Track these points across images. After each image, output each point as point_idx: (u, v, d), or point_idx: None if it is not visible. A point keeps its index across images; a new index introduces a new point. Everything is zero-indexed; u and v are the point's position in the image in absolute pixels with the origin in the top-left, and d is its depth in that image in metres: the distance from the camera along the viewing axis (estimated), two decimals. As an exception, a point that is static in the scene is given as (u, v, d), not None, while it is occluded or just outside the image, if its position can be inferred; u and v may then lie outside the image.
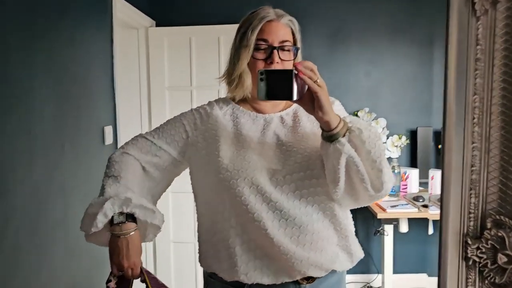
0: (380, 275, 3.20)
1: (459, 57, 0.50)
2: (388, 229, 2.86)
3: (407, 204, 2.78)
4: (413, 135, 3.20)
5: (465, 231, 0.53)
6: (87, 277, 1.97)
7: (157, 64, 3.08)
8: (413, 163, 3.23)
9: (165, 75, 3.09)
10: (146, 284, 1.10)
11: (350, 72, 3.22)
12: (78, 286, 1.87)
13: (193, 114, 1.21)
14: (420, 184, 3.11)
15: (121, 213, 1.04)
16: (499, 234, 0.50)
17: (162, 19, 3.12)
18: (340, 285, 1.20)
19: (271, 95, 0.97)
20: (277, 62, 1.10)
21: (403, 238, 3.17)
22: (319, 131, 1.06)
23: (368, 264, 3.30)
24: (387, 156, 3.13)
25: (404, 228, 2.93)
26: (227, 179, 1.08)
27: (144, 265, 1.11)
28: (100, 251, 2.08)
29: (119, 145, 2.37)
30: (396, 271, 3.05)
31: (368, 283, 3.29)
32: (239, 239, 1.10)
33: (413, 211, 2.69)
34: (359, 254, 1.18)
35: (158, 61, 3.08)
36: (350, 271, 3.61)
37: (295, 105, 1.20)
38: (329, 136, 1.00)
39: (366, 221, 3.26)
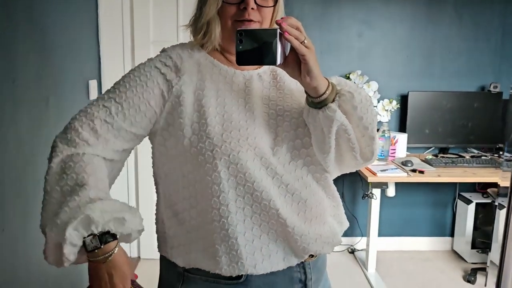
0: (364, 238, 3.23)
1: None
2: (376, 193, 2.86)
3: (396, 169, 2.77)
4: (403, 100, 3.16)
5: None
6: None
7: (142, 15, 2.91)
8: (401, 128, 3.21)
9: (150, 28, 2.93)
10: None
11: (343, 32, 3.12)
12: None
13: (163, 76, 0.95)
14: (408, 149, 3.11)
15: (92, 235, 0.81)
16: None
17: (148, -32, 2.92)
18: (327, 256, 1.12)
19: (251, 59, 0.84)
20: (252, 8, 0.92)
21: (389, 201, 3.19)
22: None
23: (353, 227, 3.32)
24: (378, 120, 3.10)
25: (391, 192, 2.95)
26: (225, 152, 0.89)
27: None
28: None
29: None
30: (380, 234, 3.09)
31: (351, 245, 3.33)
32: (241, 227, 0.92)
33: (403, 176, 2.69)
34: (347, 223, 1.09)
35: (143, 13, 2.90)
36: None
37: None
38: (316, 102, 0.88)
39: (354, 185, 3.26)
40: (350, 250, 3.31)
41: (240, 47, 0.82)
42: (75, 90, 1.91)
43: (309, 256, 1.00)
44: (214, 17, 0.95)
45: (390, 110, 3.10)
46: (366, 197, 2.87)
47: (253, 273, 0.93)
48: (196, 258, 0.96)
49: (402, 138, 3.06)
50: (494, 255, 2.76)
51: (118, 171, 0.99)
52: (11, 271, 1.38)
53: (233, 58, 0.96)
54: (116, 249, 0.83)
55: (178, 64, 0.95)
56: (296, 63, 0.85)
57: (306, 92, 0.89)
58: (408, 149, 3.12)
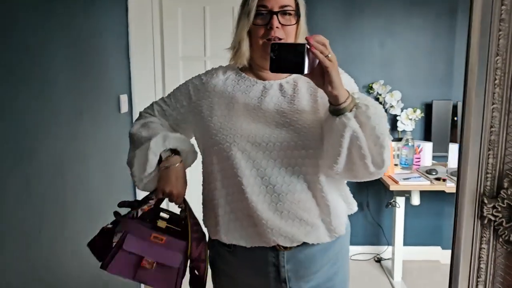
0: (390, 247, 3.24)
1: (484, 17, 0.50)
2: (400, 201, 2.88)
3: (419, 177, 2.78)
4: (427, 108, 3.17)
5: (482, 190, 0.54)
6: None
7: (171, 33, 3.07)
8: (427, 137, 3.21)
9: (179, 45, 3.09)
10: (185, 215, 1.18)
11: (365, 43, 3.18)
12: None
13: (187, 87, 1.25)
14: (434, 157, 3.11)
15: (164, 151, 1.16)
16: (516, 193, 0.51)
17: (176, -12, 3.09)
18: (324, 254, 1.18)
19: (282, 68, 0.98)
20: (277, 27, 1.10)
21: (414, 210, 3.18)
22: (317, 105, 1.12)
23: (379, 236, 3.33)
24: (402, 129, 3.12)
25: (415, 201, 2.94)
26: (219, 142, 1.12)
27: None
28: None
29: (134, 114, 2.39)
30: (406, 243, 3.08)
31: (378, 254, 3.33)
32: (223, 201, 1.15)
33: (426, 184, 2.70)
34: (339, 231, 1.17)
35: (172, 31, 3.07)
36: (359, 242, 3.62)
37: (295, 75, 1.20)
38: (336, 110, 1.00)
39: (378, 194, 3.28)
40: (376, 259, 3.32)
41: (274, 57, 0.96)
42: (107, 105, 2.07)
43: (283, 246, 1.12)
44: (244, 37, 1.15)
45: (414, 119, 3.12)
46: (389, 206, 2.89)
47: (224, 240, 1.15)
48: (204, 220, 1.24)
49: (427, 147, 3.06)
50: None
51: None
52: (48, 272, 1.52)
53: (262, 73, 1.21)
54: (180, 163, 1.18)
55: (205, 82, 1.23)
56: (321, 74, 0.97)
57: (329, 101, 1.01)
58: (434, 157, 3.12)
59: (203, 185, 1.24)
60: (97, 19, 1.94)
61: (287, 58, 0.96)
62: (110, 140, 2.09)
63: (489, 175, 0.52)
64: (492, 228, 0.53)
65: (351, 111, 1.00)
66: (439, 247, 3.34)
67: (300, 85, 1.17)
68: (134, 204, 1.20)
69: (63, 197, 1.62)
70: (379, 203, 3.32)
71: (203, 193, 1.24)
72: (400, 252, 2.98)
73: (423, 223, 3.31)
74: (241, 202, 1.11)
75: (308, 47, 0.94)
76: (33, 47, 1.43)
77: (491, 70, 0.51)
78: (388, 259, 3.26)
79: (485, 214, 0.52)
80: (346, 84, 1.09)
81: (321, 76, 0.97)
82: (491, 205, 0.52)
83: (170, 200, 1.17)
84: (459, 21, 3.12)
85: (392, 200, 2.84)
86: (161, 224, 1.19)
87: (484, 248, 0.53)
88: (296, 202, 1.11)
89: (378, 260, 3.31)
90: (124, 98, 2.25)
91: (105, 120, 2.03)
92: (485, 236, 0.53)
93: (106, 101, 2.07)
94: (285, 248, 1.13)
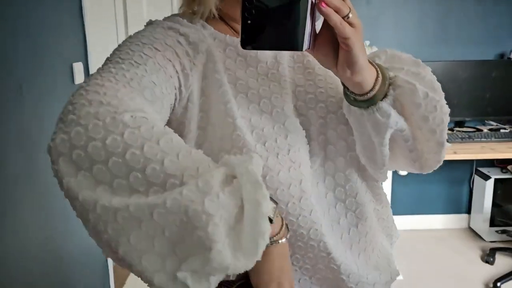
0: (376, 218, 3.12)
1: None
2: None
3: (408, 146, 2.61)
4: (415, 71, 2.96)
5: None
6: (61, 231, 1.80)
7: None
8: (414, 101, 3.03)
9: (143, 7, 2.78)
10: None
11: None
12: (51, 242, 1.70)
13: (180, 43, 0.63)
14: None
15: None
16: None
17: None
18: None
19: (265, 42, 0.53)
20: None
21: (402, 180, 3.04)
22: None
23: (364, 207, 3.19)
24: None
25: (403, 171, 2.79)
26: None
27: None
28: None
29: (92, 85, 2.10)
30: (394, 212, 2.95)
31: (363, 225, 3.20)
32: None
33: (415, 153, 2.53)
34: (397, 234, 0.86)
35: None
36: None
37: None
38: (361, 101, 0.61)
39: (363, 163, 3.11)
40: (361, 231, 3.19)
41: (249, 21, 0.52)
42: (56, 75, 1.78)
43: None
44: None
45: (402, 83, 2.91)
46: (377, 177, 2.73)
47: None
48: None
49: (414, 112, 2.88)
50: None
51: None
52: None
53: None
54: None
55: (194, 48, 0.65)
56: (331, 46, 0.56)
57: (342, 84, 0.62)
58: (422, 123, 2.95)
59: None
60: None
61: (275, 24, 0.52)
62: (63, 116, 1.82)
63: None
64: None
65: (385, 96, 0.61)
66: (426, 216, 3.22)
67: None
68: None
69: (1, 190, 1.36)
70: (364, 172, 3.16)
71: None
72: (386, 224, 2.85)
73: (409, 192, 3.18)
74: (316, 264, 0.69)
75: (314, 1, 0.53)
76: None
77: None
78: (374, 230, 3.14)
79: None
80: None
81: (332, 50, 0.56)
82: None
83: None
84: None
85: (379, 171, 2.68)
86: None
87: None
88: (369, 229, 0.73)
89: (363, 232, 3.18)
90: (78, 66, 1.96)
91: (54, 94, 1.75)
92: None
93: (55, 71, 1.78)
94: None
